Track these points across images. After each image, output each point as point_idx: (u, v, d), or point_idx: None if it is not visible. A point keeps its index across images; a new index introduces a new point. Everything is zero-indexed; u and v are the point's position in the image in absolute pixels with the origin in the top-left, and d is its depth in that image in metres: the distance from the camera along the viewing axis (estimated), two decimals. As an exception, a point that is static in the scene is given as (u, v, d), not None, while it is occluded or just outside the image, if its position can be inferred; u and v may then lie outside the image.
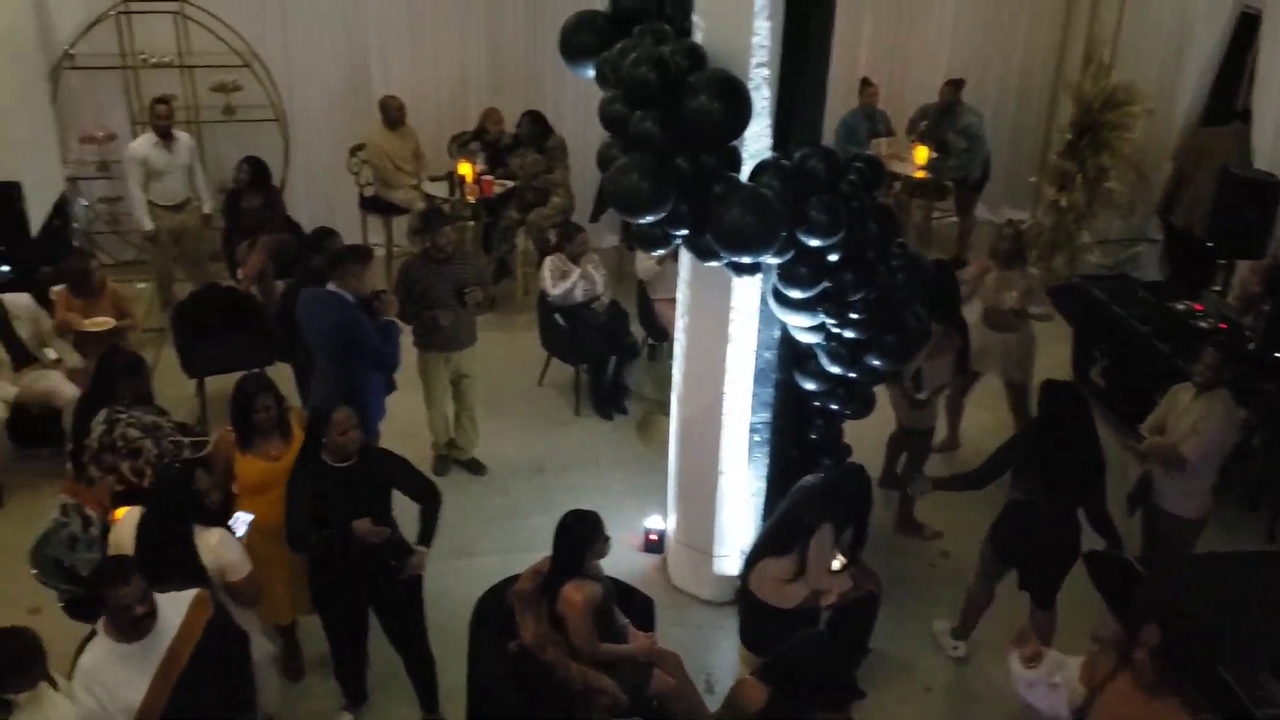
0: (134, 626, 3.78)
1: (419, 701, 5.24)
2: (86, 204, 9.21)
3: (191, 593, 3.97)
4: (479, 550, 6.37)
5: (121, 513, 4.74)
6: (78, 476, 5.25)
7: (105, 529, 4.76)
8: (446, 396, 7.00)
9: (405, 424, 6.89)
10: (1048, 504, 5.22)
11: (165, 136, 8.17)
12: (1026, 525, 5.33)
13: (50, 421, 6.75)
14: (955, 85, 9.74)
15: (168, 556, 4.27)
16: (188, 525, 4.37)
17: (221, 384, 7.09)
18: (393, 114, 9.01)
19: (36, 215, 7.55)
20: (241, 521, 4.61)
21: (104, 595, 3.77)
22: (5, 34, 2.86)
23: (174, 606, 3.90)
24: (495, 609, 4.99)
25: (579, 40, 5.43)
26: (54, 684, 3.86)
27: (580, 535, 4.68)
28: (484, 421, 7.24)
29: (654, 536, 6.46)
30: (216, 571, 4.37)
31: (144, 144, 8.17)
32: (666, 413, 6.37)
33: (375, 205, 9.34)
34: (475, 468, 7.19)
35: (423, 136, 9.32)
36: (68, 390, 6.61)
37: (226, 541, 4.43)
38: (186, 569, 4.27)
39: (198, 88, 9.01)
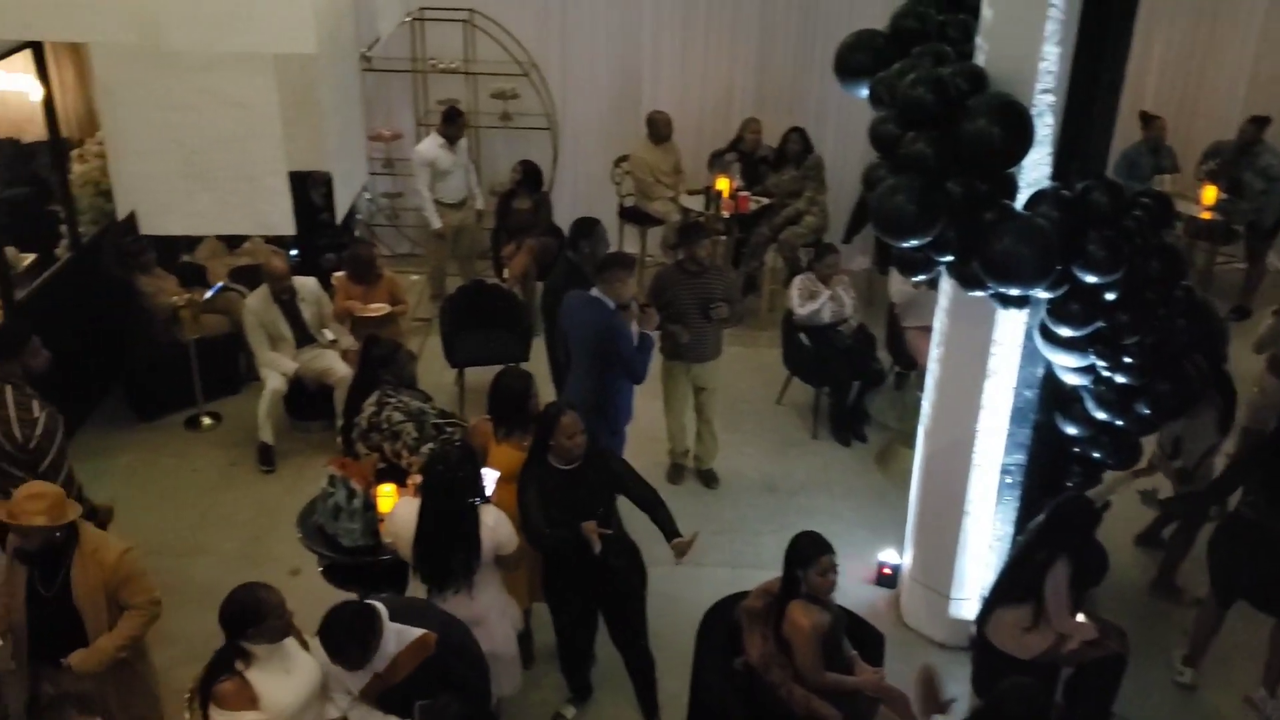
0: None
1: (639, 704, 5.29)
2: (370, 198, 9.85)
3: (417, 633, 4.01)
4: (707, 561, 6.37)
5: (387, 494, 5.03)
6: (346, 451, 5.61)
7: (368, 502, 5.05)
8: (686, 405, 7.06)
9: (647, 427, 7.00)
10: (1275, 523, 4.99)
11: (451, 139, 8.64)
12: (1251, 543, 5.10)
13: (323, 397, 7.24)
14: (1259, 123, 9.02)
15: (456, 531, 4.48)
16: (474, 501, 4.57)
17: (478, 375, 7.44)
18: (659, 129, 9.19)
19: (328, 206, 8.19)
20: (489, 478, 4.80)
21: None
22: (331, 32, 3.12)
23: (396, 639, 3.97)
24: (722, 623, 4.98)
25: (855, 59, 5.37)
26: (305, 644, 4.13)
27: (810, 557, 4.61)
28: (720, 434, 7.26)
29: (887, 570, 6.30)
30: (492, 547, 4.56)
31: (431, 146, 8.66)
32: (908, 444, 6.20)
33: (633, 215, 9.55)
34: (709, 479, 7.22)
35: (684, 150, 9.46)
36: (341, 369, 7.08)
37: (501, 519, 4.62)
38: (470, 543, 4.48)
39: (479, 94, 9.48)
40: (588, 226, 6.81)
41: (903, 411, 7.55)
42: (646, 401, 6.74)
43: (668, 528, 4.92)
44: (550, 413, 4.81)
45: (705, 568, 6.28)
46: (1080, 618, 4.96)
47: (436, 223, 8.76)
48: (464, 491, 4.53)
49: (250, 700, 3.87)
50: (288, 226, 3.48)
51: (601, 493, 4.89)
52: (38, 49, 6.97)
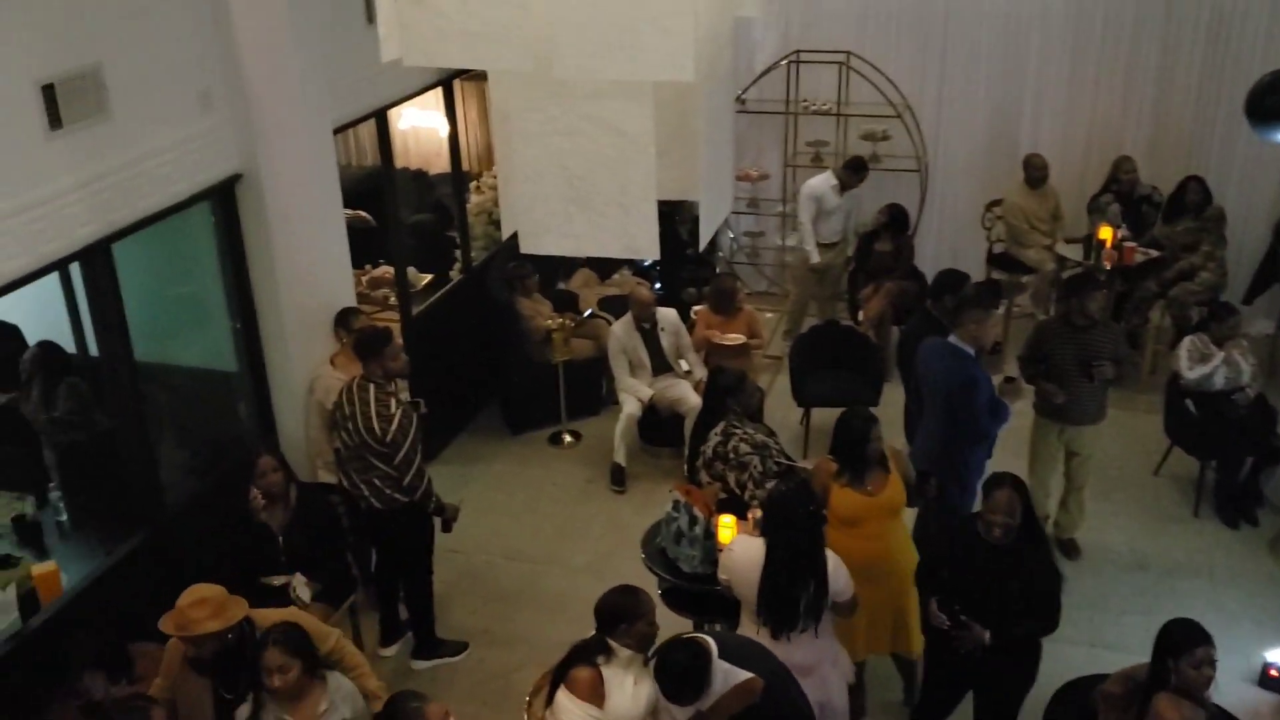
0: None
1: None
2: (732, 236, 10.06)
3: (744, 675, 3.92)
4: (1061, 637, 5.83)
5: (727, 525, 5.05)
6: (690, 478, 5.70)
7: (709, 530, 5.09)
8: (1052, 469, 6.60)
9: (1004, 488, 6.63)
10: None
11: (844, 186, 8.65)
12: None
13: (675, 425, 7.42)
14: None
15: (808, 567, 4.40)
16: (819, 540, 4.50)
17: (824, 417, 7.36)
18: (1035, 172, 8.74)
19: (693, 242, 8.47)
20: None
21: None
22: (710, 63, 3.21)
23: (723, 679, 3.90)
24: (1076, 704, 4.59)
25: (1272, 102, 4.85)
26: (647, 663, 4.20)
27: (1185, 647, 4.14)
28: (1088, 503, 6.71)
29: (1275, 672, 5.57)
30: (832, 593, 4.47)
31: (823, 183, 8.71)
32: (1313, 533, 5.47)
33: (1003, 262, 9.13)
34: (1070, 550, 6.70)
35: (1065, 195, 8.95)
36: (693, 399, 7.23)
37: (839, 565, 4.53)
38: (820, 580, 4.39)
39: (848, 135, 9.44)
40: (955, 281, 6.54)
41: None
42: (1008, 459, 6.36)
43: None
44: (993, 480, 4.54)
45: (1059, 643, 5.79)
46: None
47: (815, 256, 8.79)
48: (812, 528, 4.46)
49: (599, 697, 3.99)
50: (653, 251, 3.59)
51: (1017, 581, 4.51)
52: (448, 88, 7.70)
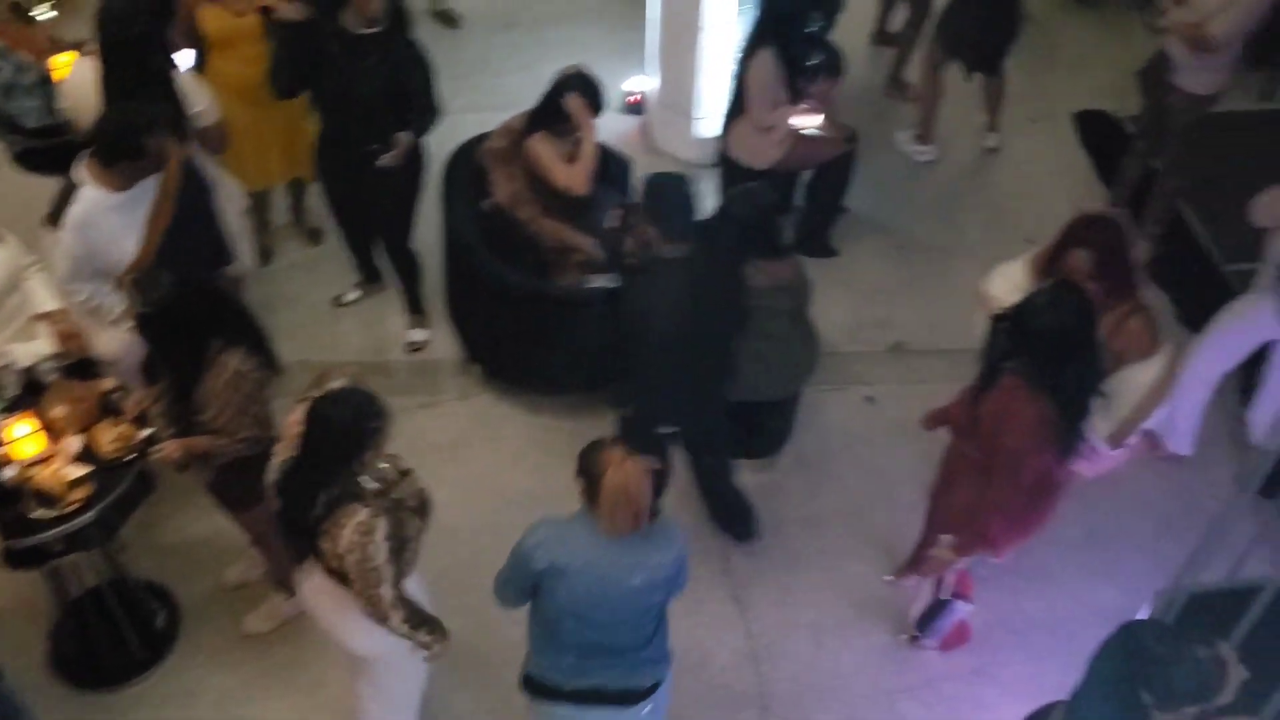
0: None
1: (406, 304, 5.22)
2: None
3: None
4: (451, 108, 6.04)
5: (64, 63, 4.47)
6: (16, 17, 4.90)
7: (44, 75, 4.48)
8: None
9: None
10: None
11: None
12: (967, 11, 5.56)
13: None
14: None
15: (146, 87, 4.01)
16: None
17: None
18: None
19: None
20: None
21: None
22: None
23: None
24: (466, 167, 4.85)
25: None
26: None
27: (562, 85, 4.50)
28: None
29: (635, 99, 6.22)
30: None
31: None
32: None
33: None
34: (448, 20, 6.79)
35: None
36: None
37: (195, 87, 4.26)
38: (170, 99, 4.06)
39: None
40: None
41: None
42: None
43: None
44: None
45: (450, 115, 5.98)
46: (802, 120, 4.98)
47: None
48: (147, 39, 4.03)
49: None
50: None
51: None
52: None
